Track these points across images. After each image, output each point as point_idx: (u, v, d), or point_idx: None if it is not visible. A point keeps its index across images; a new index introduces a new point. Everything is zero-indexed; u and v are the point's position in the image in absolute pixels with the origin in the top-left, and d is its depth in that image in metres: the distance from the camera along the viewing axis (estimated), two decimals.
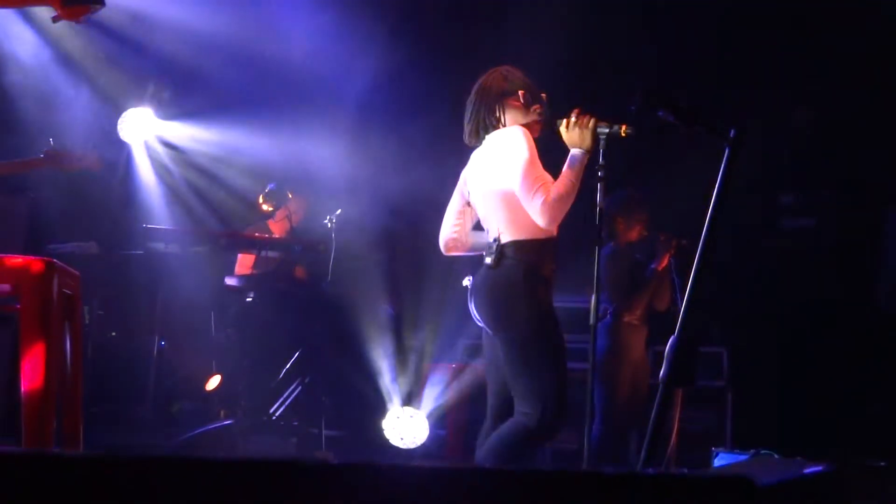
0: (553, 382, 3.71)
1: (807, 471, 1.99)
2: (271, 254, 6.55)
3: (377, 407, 6.46)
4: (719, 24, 7.15)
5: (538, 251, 3.79)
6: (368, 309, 6.75)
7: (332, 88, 7.25)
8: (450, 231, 4.10)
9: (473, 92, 3.98)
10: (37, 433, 3.37)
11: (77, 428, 3.84)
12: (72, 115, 6.82)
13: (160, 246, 6.30)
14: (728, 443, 6.19)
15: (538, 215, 3.70)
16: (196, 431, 5.66)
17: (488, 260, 3.83)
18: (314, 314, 6.45)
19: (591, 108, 3.85)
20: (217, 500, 1.61)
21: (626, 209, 5.73)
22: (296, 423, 6.25)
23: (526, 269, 3.76)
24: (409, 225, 7.43)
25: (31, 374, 3.37)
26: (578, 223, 4.03)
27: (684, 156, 4.89)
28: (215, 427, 5.88)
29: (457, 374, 6.49)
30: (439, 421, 6.49)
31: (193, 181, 7.65)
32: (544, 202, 3.67)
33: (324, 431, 6.12)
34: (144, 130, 7.35)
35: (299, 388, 6.31)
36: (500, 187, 3.79)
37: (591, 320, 3.83)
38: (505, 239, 3.80)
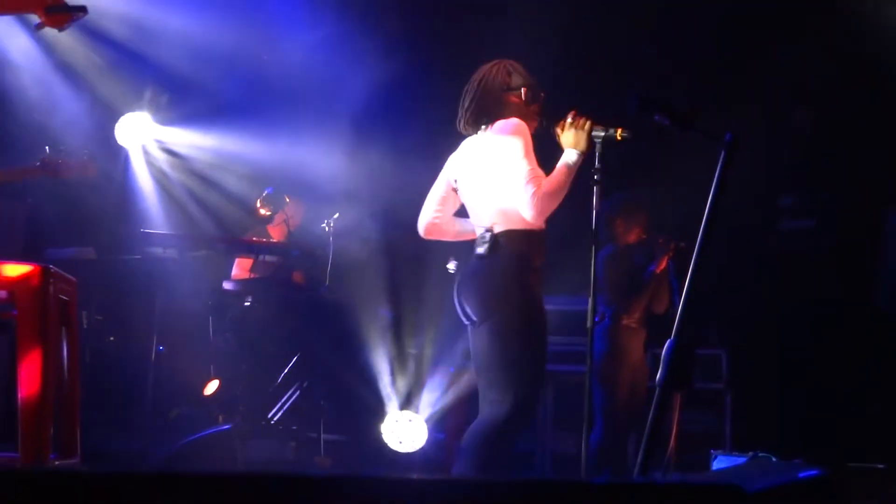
0: (528, 378, 3.70)
1: (801, 475, 1.98)
2: (269, 258, 6.55)
3: (376, 411, 6.45)
4: (719, 24, 7.15)
5: (529, 242, 3.79)
6: (367, 313, 6.74)
7: (330, 93, 7.24)
8: (431, 216, 4.09)
9: (475, 80, 3.97)
10: (34, 439, 3.37)
11: (74, 433, 3.85)
12: (69, 121, 6.81)
13: (158, 251, 6.29)
14: (727, 445, 6.17)
15: (526, 207, 3.71)
16: (194, 437, 5.65)
17: (480, 249, 3.82)
18: (312, 318, 6.45)
19: (587, 109, 3.85)
20: None
21: (625, 211, 5.72)
22: (294, 428, 6.25)
23: (518, 258, 3.76)
24: (407, 229, 7.41)
25: (29, 380, 3.37)
26: (576, 225, 4.03)
27: (683, 158, 4.87)
28: (213, 432, 5.87)
29: (455, 377, 6.48)
30: (438, 425, 6.48)
31: (191, 186, 7.65)
32: (534, 195, 3.68)
33: (322, 436, 6.12)
34: (142, 135, 7.36)
35: (298, 392, 6.30)
36: (496, 177, 3.79)
37: (589, 323, 3.82)
38: (498, 229, 3.79)
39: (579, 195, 3.85)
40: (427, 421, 6.39)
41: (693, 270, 2.63)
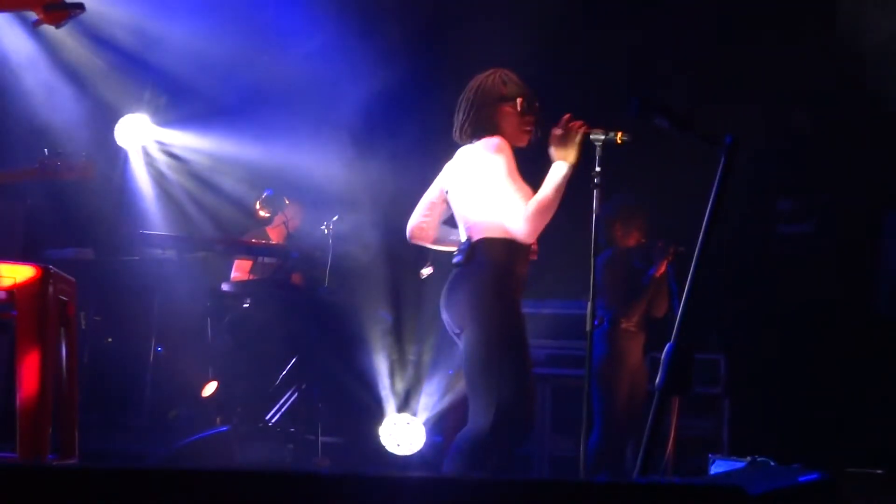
0: (511, 386, 3.62)
1: (801, 479, 1.98)
2: (268, 260, 6.55)
3: (374, 413, 6.45)
4: (717, 26, 7.15)
5: (509, 250, 3.74)
6: (365, 315, 6.75)
7: (329, 99, 7.25)
8: (418, 219, 4.08)
9: (471, 90, 3.93)
10: (32, 440, 3.37)
11: (73, 434, 3.84)
12: (68, 122, 6.82)
13: (157, 252, 6.30)
14: (725, 450, 6.17)
15: (517, 228, 3.67)
16: (192, 438, 5.64)
17: (458, 258, 3.80)
18: (311, 320, 6.45)
19: (585, 113, 3.83)
20: None
21: (624, 215, 5.72)
22: (292, 430, 6.25)
23: (495, 266, 3.72)
24: (405, 232, 7.41)
25: (27, 380, 3.37)
26: (575, 229, 4.02)
27: (683, 161, 4.87)
28: (212, 434, 5.86)
29: (453, 380, 6.48)
30: (436, 427, 6.48)
31: (190, 187, 7.65)
32: (522, 215, 3.65)
33: (320, 438, 6.11)
34: (141, 136, 7.36)
35: (296, 394, 6.30)
36: (476, 190, 3.76)
37: (588, 326, 3.81)
38: (477, 237, 3.77)
39: (579, 199, 3.83)
40: (425, 424, 6.39)
41: (692, 274, 2.63)
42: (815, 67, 6.92)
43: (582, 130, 3.76)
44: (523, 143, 3.87)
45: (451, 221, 4.07)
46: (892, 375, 6.41)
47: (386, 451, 6.32)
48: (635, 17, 7.12)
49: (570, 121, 3.77)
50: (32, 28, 3.58)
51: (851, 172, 7.06)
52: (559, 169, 3.72)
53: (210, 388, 6.34)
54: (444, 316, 3.84)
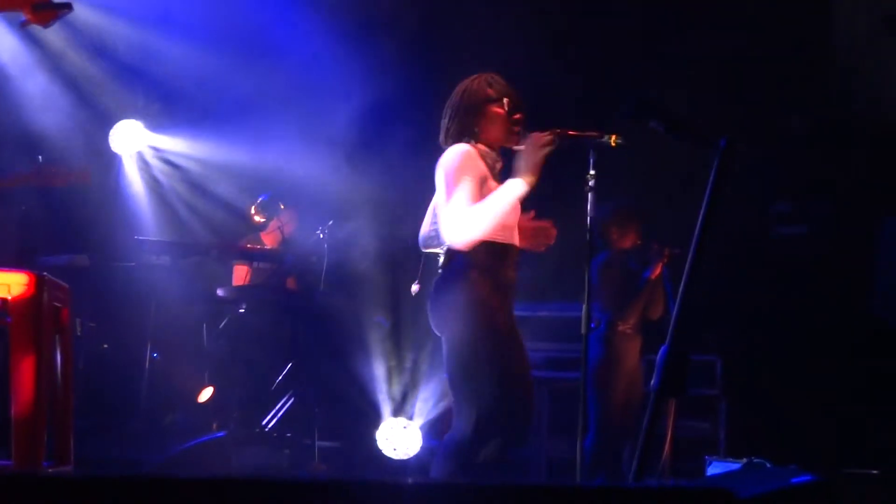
0: (493, 391, 3.57)
1: (794, 480, 1.98)
2: (263, 265, 6.55)
3: (370, 418, 6.45)
4: (716, 29, 7.16)
5: (490, 254, 3.69)
6: (362, 320, 6.74)
7: (324, 102, 7.24)
8: (427, 228, 4.06)
9: (457, 94, 3.90)
10: (27, 447, 3.36)
11: (68, 441, 3.84)
12: (62, 128, 6.81)
13: (152, 258, 6.30)
14: (721, 451, 6.17)
15: (447, 232, 3.66)
16: (188, 444, 5.64)
17: (439, 264, 3.80)
18: (307, 325, 6.44)
19: (575, 120, 3.82)
20: None
21: (620, 217, 5.72)
22: (289, 435, 6.23)
23: (473, 273, 3.67)
24: (404, 242, 7.41)
25: (22, 388, 3.37)
26: (571, 232, 4.02)
27: (679, 164, 4.88)
28: (208, 439, 5.86)
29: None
30: (432, 431, 6.48)
31: (184, 193, 7.65)
32: (455, 219, 3.62)
33: (317, 443, 6.10)
34: (135, 142, 7.36)
35: (292, 399, 6.29)
36: (441, 197, 3.76)
37: (584, 329, 3.80)
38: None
39: (574, 201, 3.82)
40: (421, 428, 6.39)
41: (687, 276, 2.62)
42: (811, 71, 6.94)
43: (548, 149, 3.69)
44: (513, 143, 3.82)
45: None
46: (888, 376, 6.42)
47: (382, 456, 6.31)
48: (629, 23, 7.13)
49: (560, 135, 3.71)
50: (20, 28, 3.56)
51: (847, 175, 7.08)
52: (515, 187, 3.66)
53: (206, 394, 6.34)
54: (430, 321, 3.84)
